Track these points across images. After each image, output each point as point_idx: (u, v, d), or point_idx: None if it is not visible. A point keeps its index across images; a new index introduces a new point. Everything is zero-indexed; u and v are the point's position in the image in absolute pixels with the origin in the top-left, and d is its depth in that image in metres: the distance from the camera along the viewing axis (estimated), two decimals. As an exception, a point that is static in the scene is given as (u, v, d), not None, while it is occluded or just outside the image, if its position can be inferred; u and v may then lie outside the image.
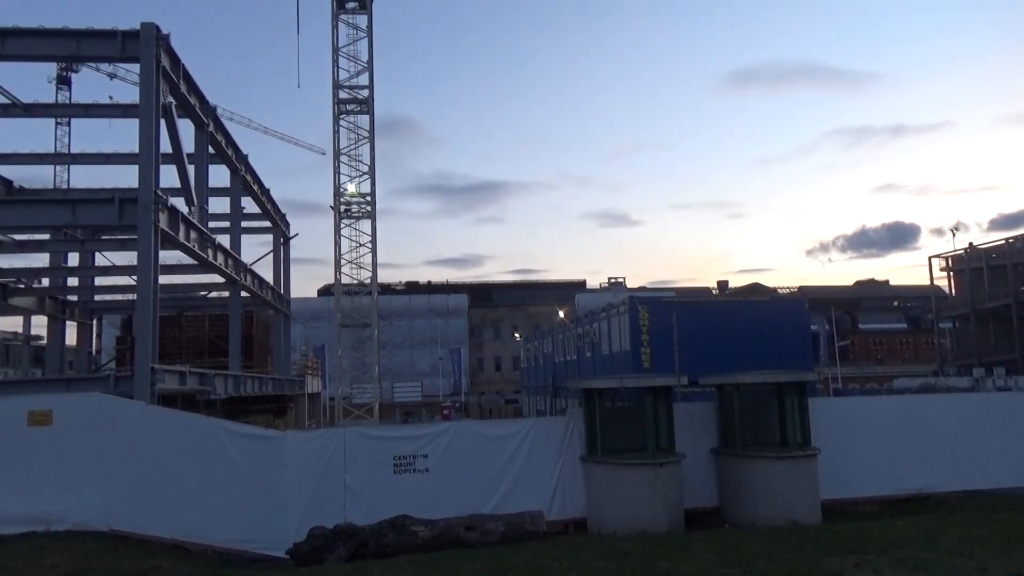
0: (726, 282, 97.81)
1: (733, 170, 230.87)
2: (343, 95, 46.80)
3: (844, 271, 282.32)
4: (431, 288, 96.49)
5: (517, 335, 76.00)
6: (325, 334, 63.51)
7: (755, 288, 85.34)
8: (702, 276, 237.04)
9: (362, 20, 47.48)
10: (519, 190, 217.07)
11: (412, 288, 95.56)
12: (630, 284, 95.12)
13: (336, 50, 46.88)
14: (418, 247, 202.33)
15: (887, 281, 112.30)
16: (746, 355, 28.98)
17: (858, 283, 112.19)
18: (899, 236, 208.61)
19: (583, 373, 42.98)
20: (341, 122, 46.64)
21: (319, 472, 14.65)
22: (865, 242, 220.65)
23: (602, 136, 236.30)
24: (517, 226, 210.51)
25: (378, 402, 44.47)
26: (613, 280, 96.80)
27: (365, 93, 46.83)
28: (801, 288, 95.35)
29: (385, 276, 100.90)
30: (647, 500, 15.25)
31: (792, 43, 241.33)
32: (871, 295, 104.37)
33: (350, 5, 47.38)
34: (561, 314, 59.38)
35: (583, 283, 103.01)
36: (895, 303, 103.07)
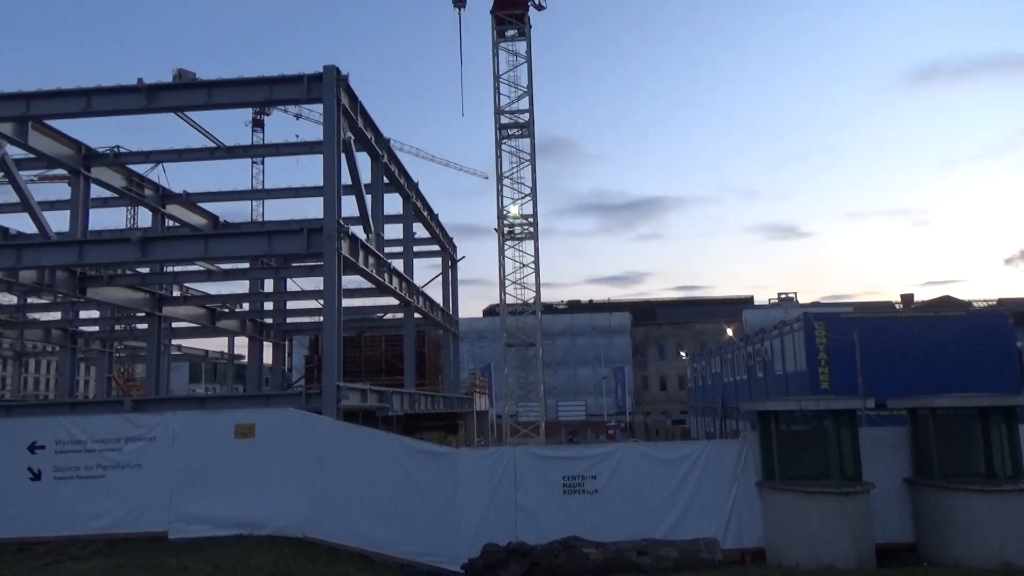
0: (911, 295, 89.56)
1: (915, 174, 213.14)
2: (504, 120, 48.16)
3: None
4: (593, 307, 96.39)
5: (683, 354, 74.10)
6: (491, 353, 65.19)
7: (946, 302, 77.45)
8: (883, 290, 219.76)
9: (521, 46, 48.78)
10: (679, 205, 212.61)
11: (574, 307, 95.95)
12: (802, 300, 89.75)
13: (497, 77, 48.40)
14: (579, 265, 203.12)
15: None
16: (940, 376, 26.47)
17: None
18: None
19: (755, 394, 41.13)
20: (503, 146, 47.98)
21: (490, 489, 14.99)
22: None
23: (767, 145, 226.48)
24: (678, 242, 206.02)
25: (544, 421, 44.93)
26: (783, 296, 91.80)
27: (525, 117, 47.93)
28: (1001, 301, 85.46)
29: (548, 295, 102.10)
30: (833, 533, 14.26)
31: (979, 32, 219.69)
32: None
33: (509, 33, 48.82)
34: (729, 332, 57.12)
35: (750, 299, 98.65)
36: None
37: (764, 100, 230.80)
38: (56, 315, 34.01)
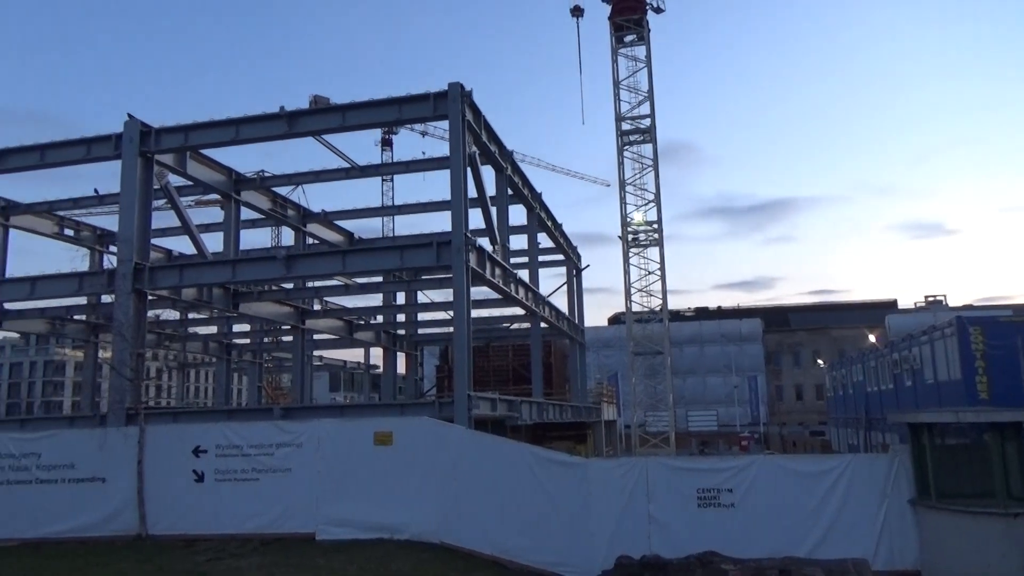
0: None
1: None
2: (626, 126, 47.70)
3: None
4: (721, 313, 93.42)
5: (820, 361, 70.36)
6: (617, 362, 64.54)
7: None
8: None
9: (640, 51, 48.20)
10: (810, 205, 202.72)
11: (701, 314, 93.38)
12: (951, 302, 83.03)
13: (617, 83, 48.06)
14: (705, 271, 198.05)
15: None
16: None
17: None
18: None
19: (902, 404, 38.33)
20: (625, 153, 47.53)
21: (623, 501, 14.81)
22: None
23: (905, 138, 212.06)
24: (810, 244, 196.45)
25: (674, 431, 43.98)
26: (930, 298, 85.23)
27: (647, 123, 47.27)
28: None
29: (674, 302, 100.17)
30: (999, 556, 13.08)
31: None
32: None
33: (628, 38, 48.39)
34: (871, 338, 53.67)
35: (893, 303, 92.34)
36: None
37: (900, 90, 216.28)
38: (213, 329, 36.92)
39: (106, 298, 25.29)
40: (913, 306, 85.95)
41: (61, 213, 29.17)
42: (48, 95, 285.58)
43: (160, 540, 16.11)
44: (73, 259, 31.81)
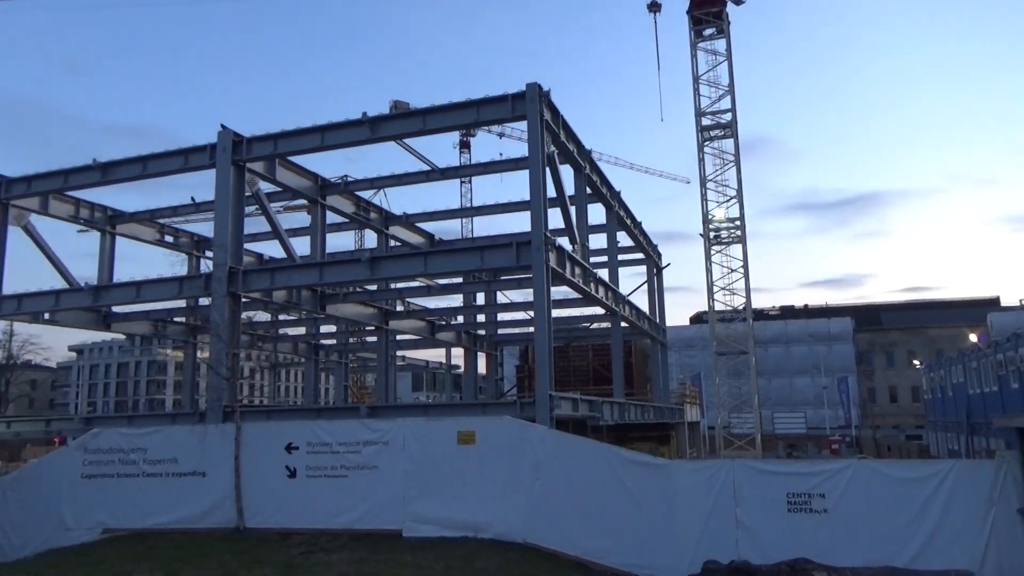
0: None
1: None
2: (706, 122, 46.74)
3: None
4: (808, 312, 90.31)
5: (916, 362, 67.11)
6: (700, 362, 63.29)
7: None
8: None
9: (720, 44, 47.16)
10: (901, 199, 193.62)
11: (787, 312, 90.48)
12: (1064, 298, 77.57)
13: (696, 78, 47.14)
14: (790, 269, 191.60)
15: None
16: None
17: None
18: None
19: (1009, 407, 36.16)
20: (705, 149, 46.59)
21: (709, 504, 14.51)
22: None
23: (1006, 126, 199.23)
24: (902, 239, 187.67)
25: (759, 433, 42.79)
26: (1039, 295, 79.95)
27: (728, 117, 46.19)
28: None
29: (758, 301, 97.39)
30: (1125, 573, 12.14)
31: None
32: None
33: (707, 32, 47.43)
34: (973, 338, 50.83)
35: (995, 300, 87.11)
36: None
37: (995, 78, 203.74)
38: (301, 330, 38.21)
39: (203, 301, 26.53)
40: (1018, 303, 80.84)
41: (162, 221, 30.76)
42: (145, 109, 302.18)
43: (256, 533, 16.80)
44: (173, 264, 33.50)
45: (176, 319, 32.43)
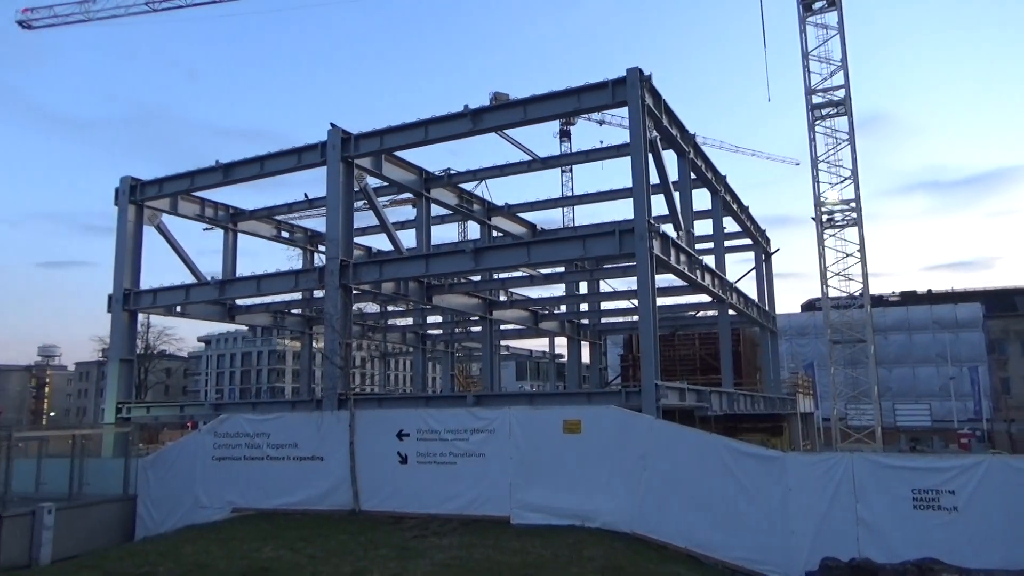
0: None
1: None
2: (817, 100, 44.51)
3: None
4: (932, 297, 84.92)
5: (1057, 350, 61.86)
6: (813, 351, 60.67)
7: None
8: None
9: (831, 17, 44.67)
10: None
11: (908, 298, 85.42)
12: None
13: (806, 55, 44.95)
14: (911, 252, 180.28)
15: None
16: None
17: None
18: None
19: None
20: (816, 128, 44.42)
21: (826, 499, 13.94)
22: None
23: None
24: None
25: (880, 426, 40.63)
26: None
27: (840, 94, 43.79)
28: None
29: (876, 286, 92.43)
30: None
31: None
32: None
33: (817, 5, 45.06)
34: (1125, 322, 46.35)
35: None
36: None
37: None
38: (409, 320, 39.34)
39: (317, 293, 27.73)
40: None
41: (278, 217, 32.36)
42: (257, 111, 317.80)
43: (371, 516, 17.50)
44: (289, 258, 35.30)
45: (293, 311, 34.06)
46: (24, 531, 17.09)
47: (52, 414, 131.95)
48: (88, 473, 20.46)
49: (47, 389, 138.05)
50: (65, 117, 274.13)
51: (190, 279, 26.81)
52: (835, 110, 44.13)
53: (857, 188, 42.60)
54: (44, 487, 20.20)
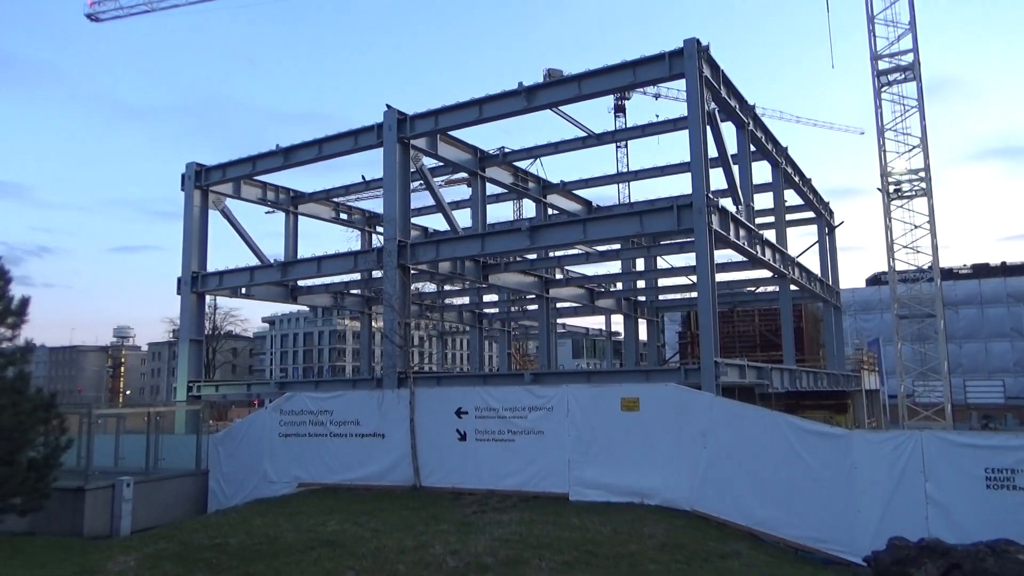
0: None
1: None
2: (883, 65, 42.63)
3: None
4: (1006, 269, 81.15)
5: None
6: (878, 326, 58.87)
7: None
8: None
9: (901, -24, 42.80)
10: None
11: (981, 271, 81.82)
12: None
13: (871, 18, 43.07)
14: (984, 222, 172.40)
15: None
16: None
17: None
18: None
19: None
20: (883, 95, 42.68)
21: (894, 478, 13.57)
22: None
23: None
24: None
25: (949, 403, 39.28)
26: None
27: (909, 58, 41.84)
28: None
29: (946, 259, 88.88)
30: None
31: None
32: None
33: (885, -35, 43.14)
34: None
35: None
36: None
37: None
38: (466, 300, 39.66)
39: (376, 273, 28.18)
40: None
41: (336, 200, 32.91)
42: (313, 94, 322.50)
43: (431, 491, 17.83)
44: (348, 240, 35.84)
45: (353, 291, 34.71)
46: (105, 503, 17.99)
47: (127, 392, 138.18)
48: (163, 449, 21.37)
49: (122, 368, 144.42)
50: (132, 107, 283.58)
51: (254, 262, 27.55)
52: (902, 75, 42.26)
53: (926, 157, 40.86)
54: (123, 462, 21.20)
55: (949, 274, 69.44)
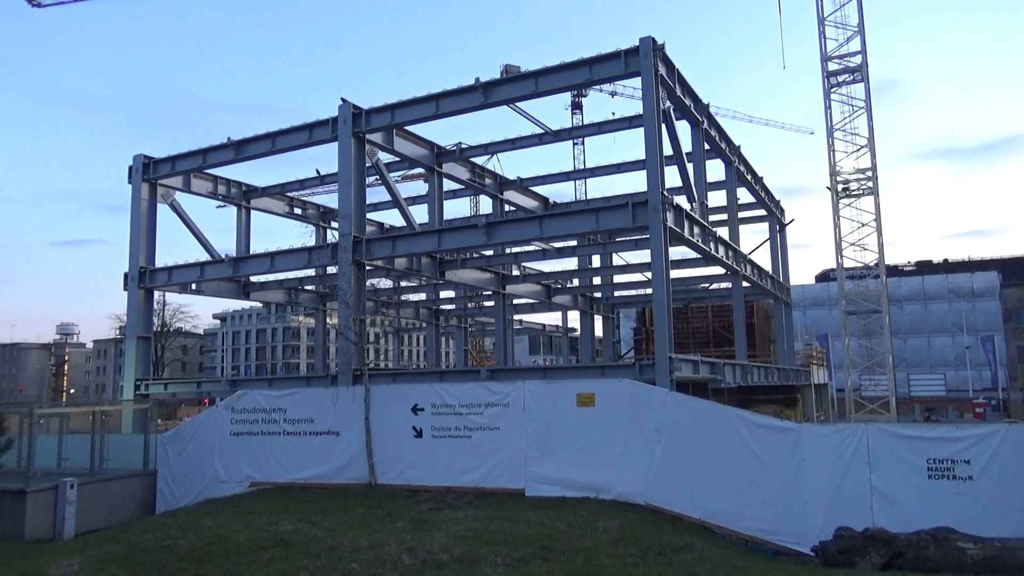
0: None
1: None
2: (833, 66, 43.84)
3: None
4: (948, 266, 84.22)
5: (1075, 318, 61.28)
6: (827, 322, 60.49)
7: None
8: None
9: (849, -19, 43.89)
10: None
11: (924, 267, 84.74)
12: None
13: (822, 20, 44.22)
14: (927, 221, 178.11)
15: None
16: None
17: None
18: None
19: None
20: (832, 96, 43.80)
21: (841, 470, 13.95)
22: None
23: None
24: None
25: (894, 396, 40.57)
26: None
27: (857, 60, 43.09)
28: None
29: (892, 256, 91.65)
30: None
31: None
32: None
33: (834, -32, 44.19)
34: None
35: None
36: None
37: None
38: (422, 296, 39.43)
39: (331, 269, 27.81)
40: None
41: (290, 194, 32.36)
42: (266, 87, 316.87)
43: (387, 489, 17.69)
44: (302, 235, 35.36)
45: (307, 287, 34.22)
46: (48, 506, 17.44)
47: (71, 391, 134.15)
48: (108, 449, 20.78)
49: (66, 367, 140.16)
50: (77, 96, 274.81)
51: (204, 257, 26.93)
52: (851, 77, 43.49)
53: (873, 156, 42.11)
54: (66, 463, 20.57)
55: (894, 271, 71.65)
